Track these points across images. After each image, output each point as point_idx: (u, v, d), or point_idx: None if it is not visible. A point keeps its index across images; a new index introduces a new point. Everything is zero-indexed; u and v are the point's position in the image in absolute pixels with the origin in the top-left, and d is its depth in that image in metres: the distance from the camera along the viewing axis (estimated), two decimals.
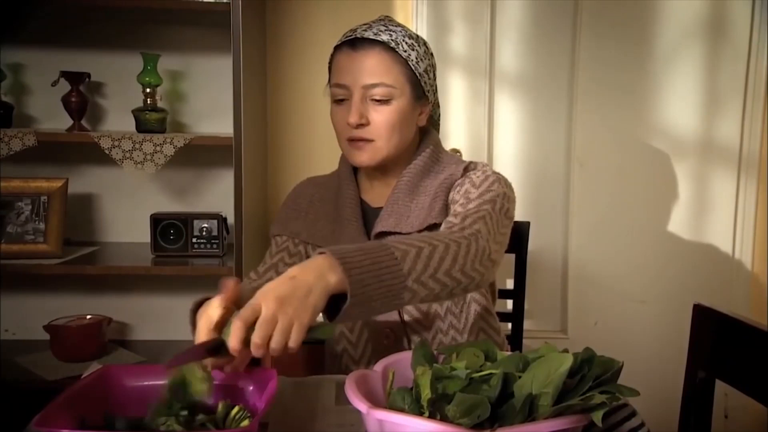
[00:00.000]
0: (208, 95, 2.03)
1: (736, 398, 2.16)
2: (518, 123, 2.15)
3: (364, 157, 1.15)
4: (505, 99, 2.14)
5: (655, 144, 2.15)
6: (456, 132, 2.13)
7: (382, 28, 1.14)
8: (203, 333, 0.83)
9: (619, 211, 2.18)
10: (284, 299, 0.77)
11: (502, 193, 1.12)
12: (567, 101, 2.14)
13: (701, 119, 2.13)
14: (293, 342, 0.77)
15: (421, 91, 1.18)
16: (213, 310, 0.84)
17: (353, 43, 1.14)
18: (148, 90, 1.89)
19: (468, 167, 1.19)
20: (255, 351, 0.77)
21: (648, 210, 2.18)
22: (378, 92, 1.12)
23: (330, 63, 1.19)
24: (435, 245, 0.92)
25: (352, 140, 1.15)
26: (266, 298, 0.77)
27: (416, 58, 1.15)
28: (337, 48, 1.17)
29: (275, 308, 0.76)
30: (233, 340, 0.77)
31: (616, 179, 2.16)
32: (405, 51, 1.13)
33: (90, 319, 1.94)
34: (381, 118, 1.13)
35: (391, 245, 0.88)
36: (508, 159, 2.16)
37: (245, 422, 0.82)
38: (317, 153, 2.10)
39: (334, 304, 0.83)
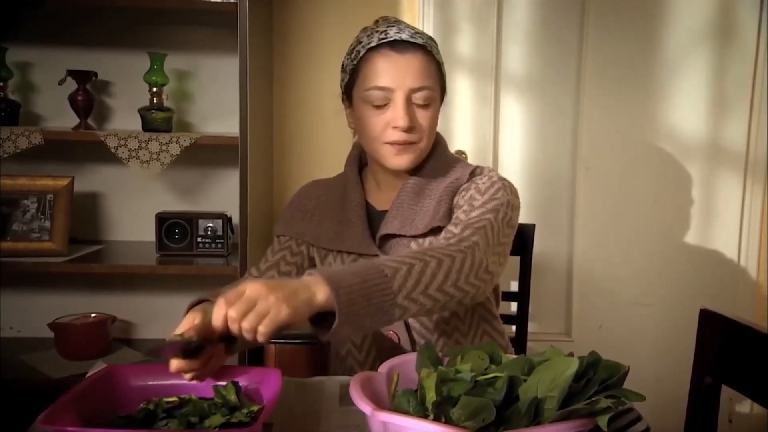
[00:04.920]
0: (215, 95, 2.03)
1: (740, 403, 2.16)
2: (524, 125, 2.14)
3: (407, 159, 1.15)
4: (511, 101, 2.13)
5: (662, 147, 2.14)
6: (461, 133, 2.12)
7: (412, 31, 1.14)
8: (187, 323, 0.87)
9: (624, 214, 2.17)
10: (270, 289, 0.79)
11: (506, 201, 1.11)
12: (573, 104, 2.14)
13: (708, 123, 2.12)
14: (263, 328, 0.78)
15: (443, 93, 1.20)
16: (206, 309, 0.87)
17: (393, 45, 1.12)
18: (154, 89, 1.89)
19: (474, 172, 1.18)
20: (231, 324, 0.78)
21: (654, 213, 2.17)
22: (422, 96, 1.12)
23: (356, 64, 1.15)
24: (427, 261, 0.92)
25: (394, 144, 1.13)
26: (253, 284, 0.80)
27: (442, 61, 1.18)
28: (371, 50, 1.13)
29: (259, 293, 0.78)
30: (216, 315, 0.79)
31: (622, 182, 2.16)
32: (437, 54, 1.16)
33: (95, 317, 1.95)
34: (426, 121, 1.14)
35: (382, 263, 0.89)
36: (514, 161, 2.16)
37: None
38: (323, 153, 2.10)
39: (324, 321, 0.84)
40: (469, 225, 1.05)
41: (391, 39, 1.12)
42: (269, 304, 0.78)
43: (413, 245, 1.15)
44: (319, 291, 0.81)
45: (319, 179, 1.34)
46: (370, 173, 1.25)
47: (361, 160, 1.28)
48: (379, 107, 1.13)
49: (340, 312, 0.81)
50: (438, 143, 1.23)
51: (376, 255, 1.15)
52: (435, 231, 1.14)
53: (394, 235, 1.16)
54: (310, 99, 2.09)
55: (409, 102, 1.12)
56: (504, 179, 1.17)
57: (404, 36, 1.12)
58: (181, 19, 2.00)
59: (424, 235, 1.14)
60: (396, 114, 1.11)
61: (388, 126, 1.12)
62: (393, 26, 1.15)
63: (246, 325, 0.77)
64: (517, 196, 1.16)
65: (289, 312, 0.78)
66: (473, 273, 0.97)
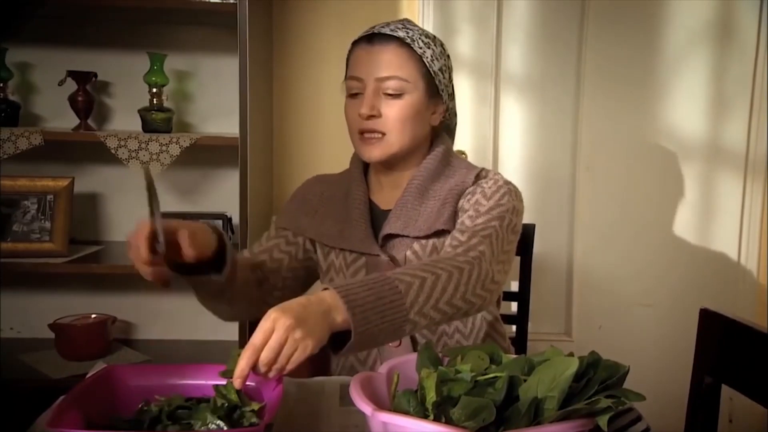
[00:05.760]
0: (215, 95, 2.03)
1: (740, 403, 2.15)
2: (524, 125, 2.14)
3: (375, 152, 1.15)
4: (511, 101, 2.13)
5: (662, 147, 2.14)
6: (461, 134, 2.10)
7: (400, 26, 1.15)
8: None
9: (624, 214, 2.17)
10: (296, 322, 0.80)
11: (511, 207, 1.12)
12: (573, 104, 2.14)
13: (708, 123, 2.12)
14: (290, 366, 0.82)
15: (435, 90, 1.17)
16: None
17: (370, 38, 1.15)
18: (154, 90, 1.89)
19: (480, 174, 1.18)
20: (260, 369, 0.81)
21: (654, 213, 2.17)
22: (391, 85, 1.12)
23: (347, 59, 1.20)
24: (438, 274, 0.93)
25: (363, 133, 1.15)
26: (280, 319, 0.80)
27: (431, 56, 1.15)
28: (354, 43, 1.18)
29: (284, 333, 0.80)
30: (243, 365, 0.80)
31: (623, 182, 2.16)
32: (420, 48, 1.14)
33: (95, 318, 1.95)
34: (393, 111, 1.13)
35: (395, 277, 0.90)
36: (514, 161, 2.16)
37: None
38: (323, 153, 2.10)
39: (338, 336, 0.86)
40: (475, 233, 1.05)
41: (370, 33, 1.15)
42: (296, 343, 0.80)
43: (416, 246, 1.15)
44: (337, 315, 0.84)
45: (323, 174, 1.34)
46: (373, 171, 1.25)
47: None
48: (354, 97, 1.16)
49: (356, 332, 0.83)
50: (442, 143, 1.22)
51: (378, 255, 1.16)
52: (438, 233, 1.14)
53: (397, 236, 1.16)
54: (310, 99, 2.09)
55: (377, 92, 1.13)
56: (509, 183, 1.16)
57: (384, 30, 1.14)
58: (181, 19, 1.99)
59: (427, 237, 1.14)
60: (361, 103, 1.13)
61: (357, 114, 1.14)
62: (387, 23, 1.16)
63: (276, 368, 0.81)
64: (521, 201, 1.16)
65: (313, 345, 0.82)
66: (480, 284, 0.98)
